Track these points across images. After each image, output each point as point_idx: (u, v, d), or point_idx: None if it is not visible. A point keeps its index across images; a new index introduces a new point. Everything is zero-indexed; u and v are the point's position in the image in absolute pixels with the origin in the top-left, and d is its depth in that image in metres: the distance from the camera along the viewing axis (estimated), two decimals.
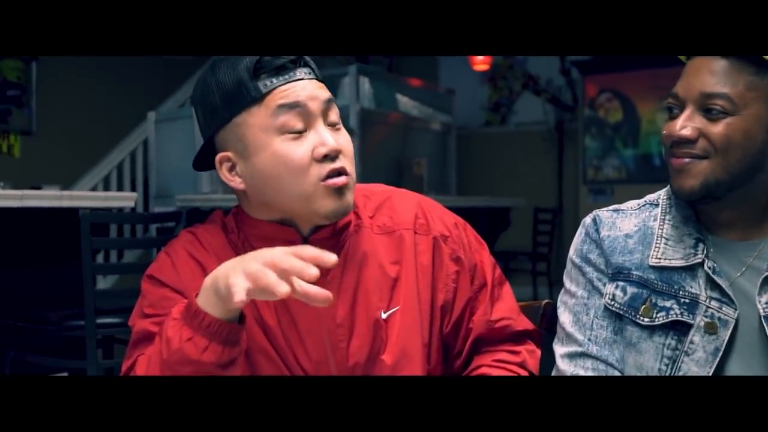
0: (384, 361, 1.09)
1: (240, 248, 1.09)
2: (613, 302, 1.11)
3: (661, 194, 1.18)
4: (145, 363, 0.97)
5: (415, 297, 1.12)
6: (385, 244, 1.14)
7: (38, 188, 3.44)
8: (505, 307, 1.19)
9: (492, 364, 1.14)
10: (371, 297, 1.10)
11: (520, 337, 1.19)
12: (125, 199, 2.93)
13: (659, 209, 1.15)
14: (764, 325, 1.04)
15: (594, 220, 1.18)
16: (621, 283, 1.11)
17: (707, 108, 1.03)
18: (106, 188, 5.42)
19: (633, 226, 1.15)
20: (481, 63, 6.71)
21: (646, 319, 1.08)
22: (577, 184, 6.40)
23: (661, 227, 1.13)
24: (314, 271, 0.85)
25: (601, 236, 1.15)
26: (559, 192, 6.67)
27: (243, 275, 0.87)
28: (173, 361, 0.92)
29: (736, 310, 1.05)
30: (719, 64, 1.03)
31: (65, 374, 2.86)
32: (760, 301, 1.04)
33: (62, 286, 2.83)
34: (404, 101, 5.57)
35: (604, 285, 1.13)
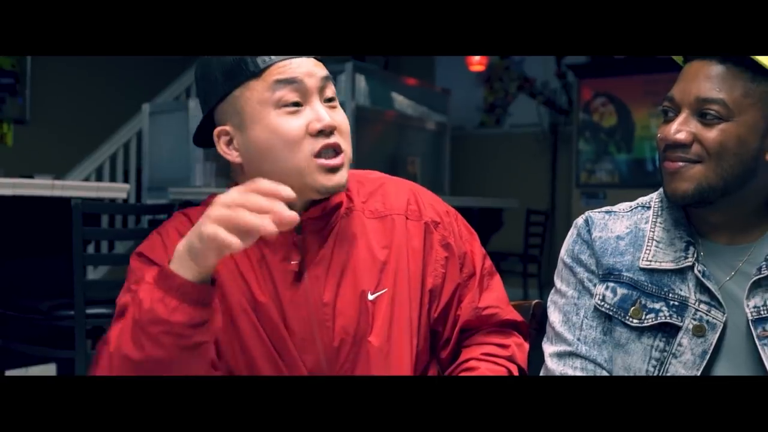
0: (371, 343, 1.10)
1: None
2: (602, 303, 1.12)
3: (653, 197, 1.18)
4: (119, 327, 0.97)
5: (406, 280, 1.13)
6: (376, 228, 1.15)
7: (30, 177, 3.43)
8: (494, 296, 1.20)
9: (481, 358, 1.15)
10: (359, 278, 1.11)
11: (507, 327, 1.20)
12: (117, 190, 2.92)
13: (651, 212, 1.16)
14: (751, 329, 1.04)
15: (586, 221, 1.18)
16: (611, 284, 1.12)
17: (702, 113, 1.04)
18: (99, 179, 5.40)
19: (624, 228, 1.15)
20: (477, 64, 6.71)
21: (635, 321, 1.09)
22: (570, 187, 6.41)
23: (652, 230, 1.13)
24: (288, 212, 0.87)
25: (592, 237, 1.16)
26: (552, 195, 6.68)
27: (216, 224, 0.88)
28: (144, 321, 0.92)
29: (724, 313, 1.06)
30: (716, 69, 1.04)
31: (53, 364, 2.85)
32: (748, 305, 1.05)
33: (52, 276, 2.83)
34: (400, 100, 5.57)
35: (595, 285, 1.14)
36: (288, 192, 0.89)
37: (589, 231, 1.17)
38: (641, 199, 1.20)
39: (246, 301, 1.08)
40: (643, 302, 1.09)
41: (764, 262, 1.06)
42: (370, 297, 1.11)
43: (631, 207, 1.19)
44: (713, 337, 1.05)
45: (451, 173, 6.11)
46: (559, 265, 1.20)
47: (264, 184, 0.89)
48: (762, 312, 1.05)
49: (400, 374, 1.10)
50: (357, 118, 4.81)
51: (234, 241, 0.87)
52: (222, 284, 1.08)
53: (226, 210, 0.88)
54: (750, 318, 1.05)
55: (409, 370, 1.11)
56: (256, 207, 0.87)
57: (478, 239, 1.24)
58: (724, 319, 1.06)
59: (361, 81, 5.09)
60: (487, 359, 1.15)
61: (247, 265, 1.10)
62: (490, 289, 1.21)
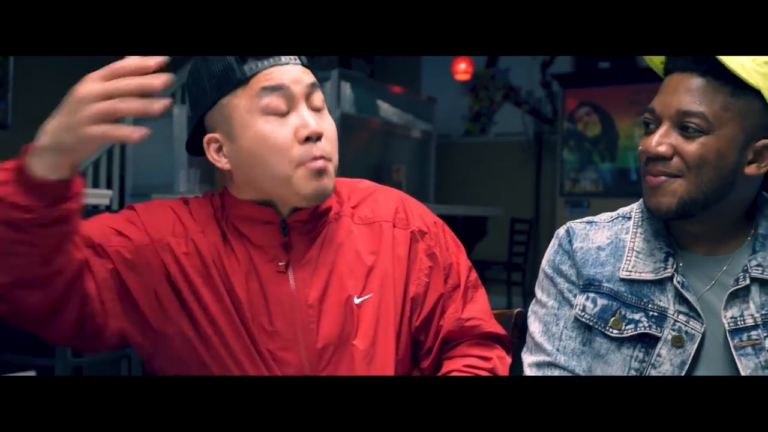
0: (356, 346, 1.10)
1: (223, 225, 1.12)
2: (583, 313, 1.13)
3: (633, 208, 1.19)
4: None
5: (391, 286, 1.13)
6: (364, 233, 1.16)
7: None
8: (477, 308, 1.20)
9: (463, 370, 1.15)
10: (345, 282, 1.12)
11: (490, 340, 1.20)
12: (100, 197, 2.90)
13: (632, 222, 1.17)
14: (729, 339, 1.05)
15: (567, 231, 1.19)
16: (591, 295, 1.13)
17: (683, 125, 1.05)
18: None
19: (605, 238, 1.16)
20: (462, 73, 6.74)
21: (615, 331, 1.10)
22: (554, 196, 6.44)
23: (632, 240, 1.14)
24: (161, 79, 0.86)
25: (573, 248, 1.17)
26: (536, 203, 6.71)
27: (95, 124, 0.86)
28: None
29: (702, 324, 1.07)
30: (696, 82, 1.05)
31: (32, 372, 2.81)
32: (725, 316, 1.06)
33: None
34: (385, 108, 5.57)
35: (575, 296, 1.14)
36: (156, 60, 0.87)
37: (570, 241, 1.18)
38: (622, 210, 1.21)
39: (228, 298, 1.08)
40: (623, 313, 1.10)
41: (741, 273, 1.07)
42: (356, 301, 1.12)
43: (612, 217, 1.20)
44: (692, 348, 1.06)
45: (436, 181, 6.12)
46: (540, 275, 1.21)
47: (129, 61, 0.87)
48: (739, 322, 1.06)
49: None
50: (342, 125, 4.81)
51: (129, 132, 0.86)
52: (202, 280, 1.08)
53: (98, 106, 0.85)
54: (727, 328, 1.06)
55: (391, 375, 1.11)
56: (129, 90, 0.86)
57: (464, 251, 1.25)
58: (703, 329, 1.07)
59: (346, 89, 5.09)
60: (469, 371, 1.15)
61: (235, 265, 1.10)
62: (473, 301, 1.21)
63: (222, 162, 1.11)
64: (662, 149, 1.05)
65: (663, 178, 1.06)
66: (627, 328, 1.09)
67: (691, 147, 1.04)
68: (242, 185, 1.12)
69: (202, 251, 1.09)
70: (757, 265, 1.07)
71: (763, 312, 1.05)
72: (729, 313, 1.06)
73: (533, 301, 1.21)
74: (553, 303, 1.16)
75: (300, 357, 1.08)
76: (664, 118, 1.06)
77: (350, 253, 1.14)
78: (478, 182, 6.85)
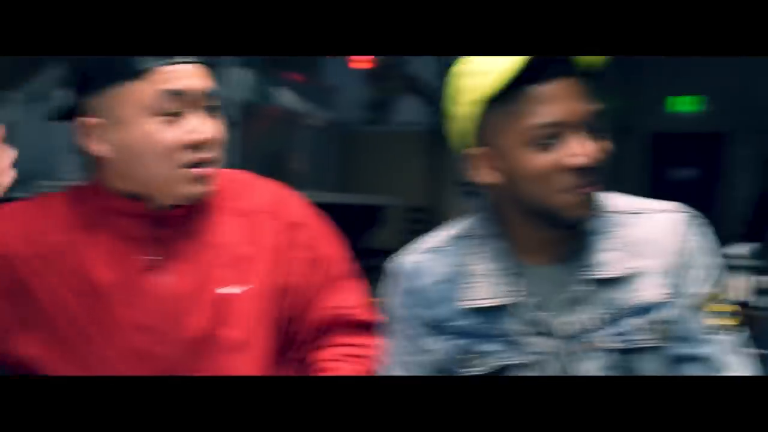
0: (228, 337, 1.10)
1: (90, 218, 1.09)
2: (440, 358, 1.08)
3: (471, 225, 1.14)
4: None
5: (264, 277, 1.13)
6: (239, 225, 1.15)
7: None
8: (351, 298, 1.22)
9: (337, 358, 1.16)
10: (218, 274, 1.11)
11: (363, 328, 1.21)
12: None
13: (472, 243, 1.11)
14: (575, 344, 1.05)
15: (405, 270, 1.13)
16: (443, 336, 1.08)
17: (590, 127, 1.03)
18: None
19: (446, 267, 1.11)
20: (362, 62, 6.75)
21: (476, 370, 1.06)
22: (451, 184, 6.56)
23: (475, 264, 1.09)
24: None
25: (414, 286, 1.11)
26: (434, 192, 6.82)
27: None
28: None
29: (556, 339, 1.06)
30: (573, 83, 1.04)
31: None
32: (569, 322, 1.05)
33: None
34: (286, 95, 5.51)
35: (427, 339, 1.10)
36: None
37: (409, 280, 1.12)
38: (461, 227, 1.15)
39: (92, 296, 1.06)
40: (479, 347, 1.06)
41: (582, 276, 1.06)
42: (229, 291, 1.11)
43: (450, 239, 1.14)
44: (550, 367, 1.05)
45: (335, 170, 6.12)
46: (386, 321, 1.16)
47: None
48: (585, 325, 1.05)
49: (255, 369, 1.10)
50: (242, 113, 4.73)
51: None
52: (62, 281, 1.06)
53: None
54: (572, 333, 1.05)
55: (264, 367, 1.12)
56: None
57: (340, 243, 1.25)
58: (557, 345, 1.06)
59: (247, 75, 5.00)
60: (343, 359, 1.16)
61: (101, 260, 1.07)
62: (347, 290, 1.22)
63: (100, 149, 1.08)
64: (601, 155, 1.03)
65: (594, 184, 1.03)
66: (485, 362, 1.06)
67: (603, 144, 1.04)
68: (116, 176, 1.09)
69: (62, 251, 1.06)
70: (594, 265, 1.06)
71: (608, 310, 1.05)
72: (573, 318, 1.05)
73: (388, 349, 1.15)
74: (405, 350, 1.11)
75: (173, 350, 1.08)
76: (573, 126, 1.02)
77: (224, 245, 1.13)
78: (377, 171, 6.89)
